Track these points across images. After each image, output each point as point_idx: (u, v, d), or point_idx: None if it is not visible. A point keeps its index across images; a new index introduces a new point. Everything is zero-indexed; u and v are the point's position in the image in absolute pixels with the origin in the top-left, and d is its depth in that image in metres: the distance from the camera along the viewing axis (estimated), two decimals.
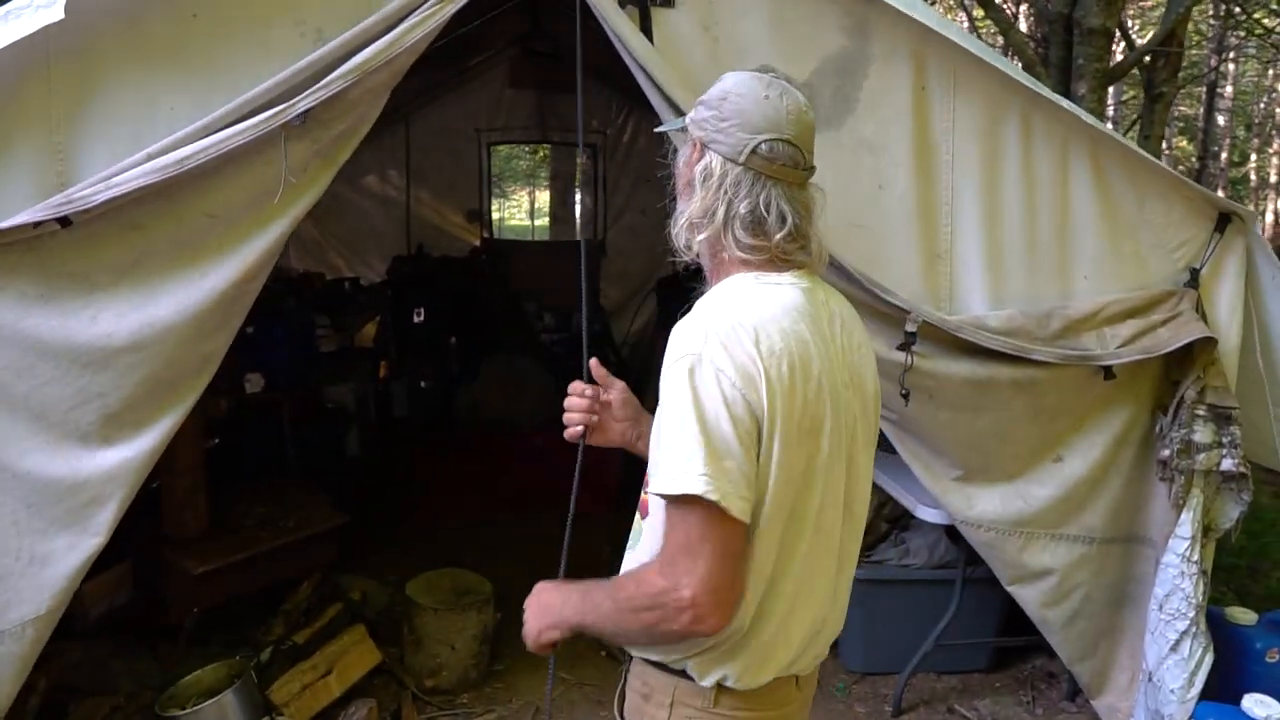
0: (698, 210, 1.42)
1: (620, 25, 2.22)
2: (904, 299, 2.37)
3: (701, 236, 1.43)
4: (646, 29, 2.26)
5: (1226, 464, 2.57)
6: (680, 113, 2.23)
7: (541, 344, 6.71)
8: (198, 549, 3.03)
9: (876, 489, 3.46)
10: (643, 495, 1.50)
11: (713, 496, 1.25)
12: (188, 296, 2.23)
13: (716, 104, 1.43)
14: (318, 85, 2.13)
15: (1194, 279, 2.57)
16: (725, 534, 1.28)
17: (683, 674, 1.44)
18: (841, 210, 2.40)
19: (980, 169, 2.45)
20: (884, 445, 3.49)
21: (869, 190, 2.42)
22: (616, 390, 1.70)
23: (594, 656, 3.46)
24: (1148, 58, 5.02)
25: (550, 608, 1.49)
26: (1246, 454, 2.62)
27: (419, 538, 4.37)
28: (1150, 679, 2.70)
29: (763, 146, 1.38)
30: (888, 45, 2.35)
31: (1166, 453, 2.59)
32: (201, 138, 2.13)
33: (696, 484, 1.26)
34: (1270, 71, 16.47)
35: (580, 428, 1.68)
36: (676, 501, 1.28)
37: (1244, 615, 2.96)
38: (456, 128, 6.38)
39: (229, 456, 3.67)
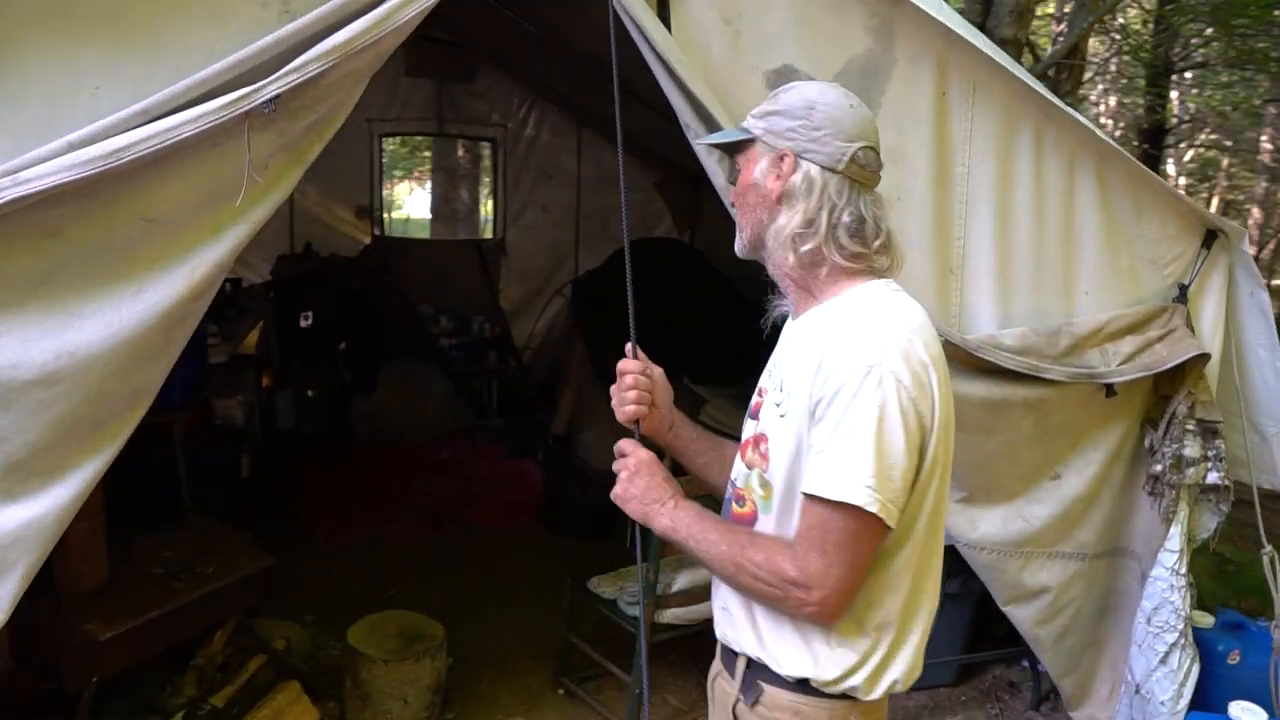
0: (800, 221, 1.41)
1: (638, 11, 1.98)
2: (953, 323, 2.25)
3: (806, 248, 1.41)
4: (664, 17, 2.03)
5: (1212, 477, 2.61)
6: (703, 113, 2.03)
7: (440, 349, 6.34)
8: (100, 608, 2.57)
9: None
10: (745, 439, 1.52)
11: (873, 509, 1.27)
12: (118, 317, 1.84)
13: (803, 113, 1.43)
14: (290, 67, 1.78)
15: (1182, 294, 2.58)
16: (870, 542, 1.32)
17: (843, 695, 1.41)
18: None
19: (994, 181, 2.36)
20: None
21: (888, 202, 2.25)
22: (658, 372, 1.67)
23: (553, 697, 3.20)
24: (1053, 69, 5.19)
25: (652, 498, 1.47)
26: None
27: (330, 567, 3.97)
28: (1138, 691, 2.71)
29: (859, 154, 1.42)
30: (911, 48, 2.21)
31: (1159, 468, 2.59)
32: (139, 125, 1.75)
33: (861, 495, 1.27)
34: (1100, 86, 17.78)
35: (642, 408, 1.59)
36: (831, 505, 1.29)
37: (1202, 618, 3.03)
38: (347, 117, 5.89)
39: (118, 490, 3.17)
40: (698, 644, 3.09)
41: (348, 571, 3.93)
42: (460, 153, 9.81)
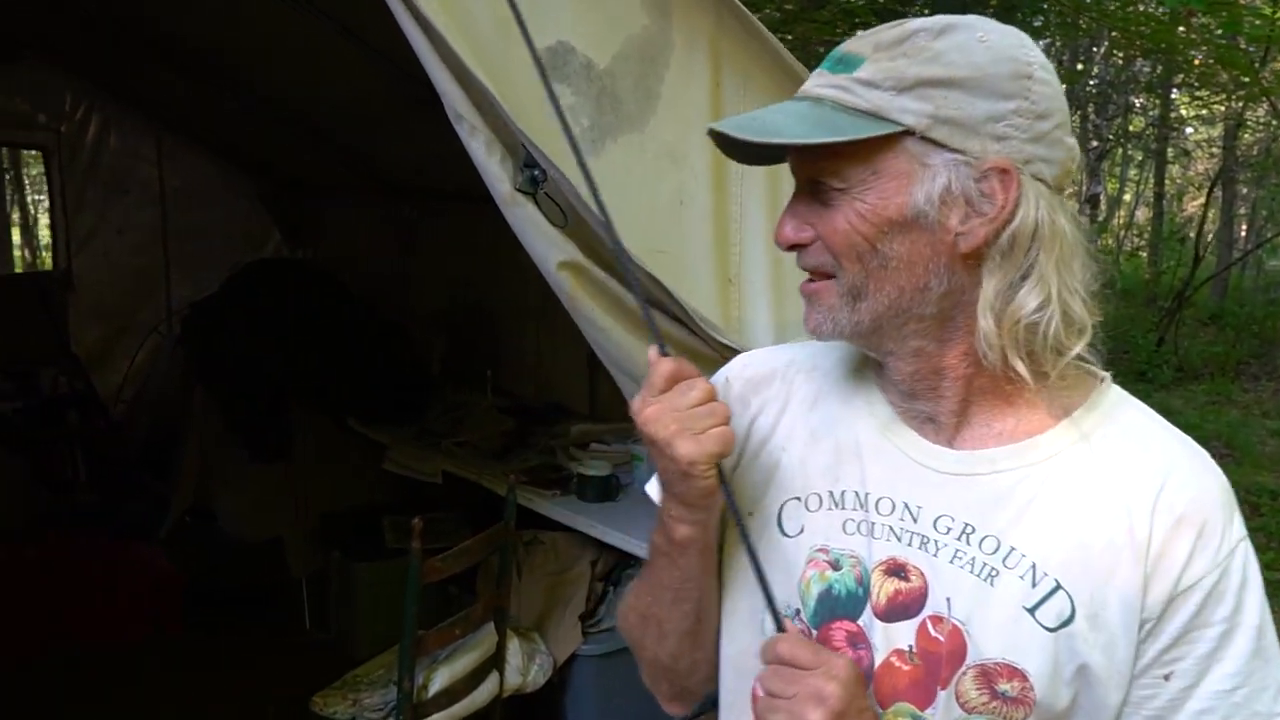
0: (1038, 291, 0.87)
1: None
2: (733, 338, 2.00)
3: (1053, 329, 0.88)
4: None
5: None
6: (482, 100, 1.56)
7: None
8: None
9: (592, 544, 3.04)
10: (899, 665, 0.92)
11: None
12: None
13: (1017, 88, 0.85)
14: None
15: None
16: None
17: None
18: (645, 232, 1.94)
19: (765, 182, 2.17)
20: (592, 495, 3.08)
21: (670, 207, 2.00)
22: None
23: None
24: None
25: None
26: None
27: None
28: None
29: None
30: (688, 31, 1.93)
31: None
32: None
33: None
34: None
35: (730, 431, 0.92)
36: None
37: None
38: None
39: None
40: None
41: None
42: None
